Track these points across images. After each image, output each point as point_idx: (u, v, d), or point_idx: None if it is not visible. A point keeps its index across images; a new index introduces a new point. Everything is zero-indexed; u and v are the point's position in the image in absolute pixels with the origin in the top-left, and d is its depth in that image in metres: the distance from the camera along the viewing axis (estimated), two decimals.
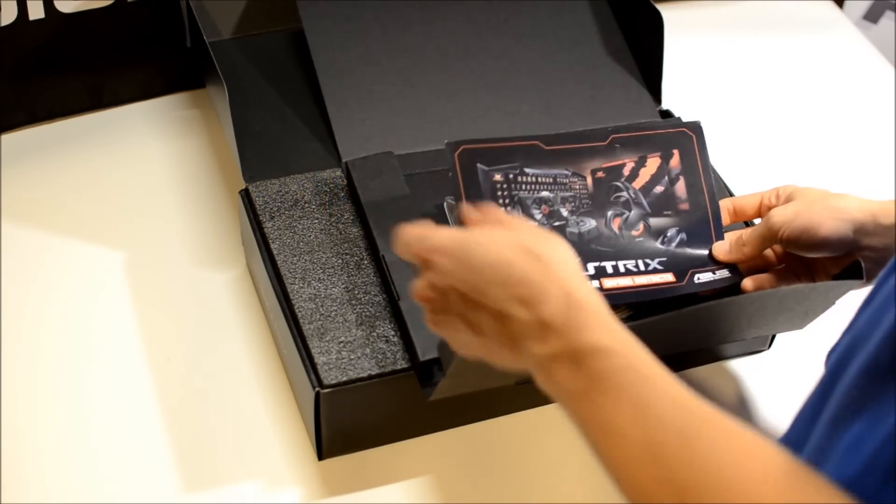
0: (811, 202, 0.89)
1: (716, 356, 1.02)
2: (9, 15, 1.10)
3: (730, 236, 0.95)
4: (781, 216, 0.89)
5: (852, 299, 0.88)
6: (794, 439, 0.67)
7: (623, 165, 0.97)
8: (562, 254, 0.68)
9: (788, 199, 0.91)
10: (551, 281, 0.66)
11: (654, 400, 0.62)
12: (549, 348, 0.65)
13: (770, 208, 0.92)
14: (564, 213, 0.94)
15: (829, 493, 0.59)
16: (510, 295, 0.66)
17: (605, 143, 0.96)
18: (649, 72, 1.14)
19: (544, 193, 0.94)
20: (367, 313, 0.92)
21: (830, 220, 0.87)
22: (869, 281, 0.87)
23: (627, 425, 0.62)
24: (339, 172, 1.04)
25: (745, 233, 0.93)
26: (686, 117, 1.09)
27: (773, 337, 1.03)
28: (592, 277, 0.91)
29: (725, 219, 0.96)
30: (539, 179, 0.95)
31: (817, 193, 0.90)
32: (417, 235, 0.71)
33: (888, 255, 0.86)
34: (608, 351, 0.64)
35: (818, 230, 0.87)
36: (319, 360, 0.89)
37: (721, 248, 0.95)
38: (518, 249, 0.67)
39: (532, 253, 0.67)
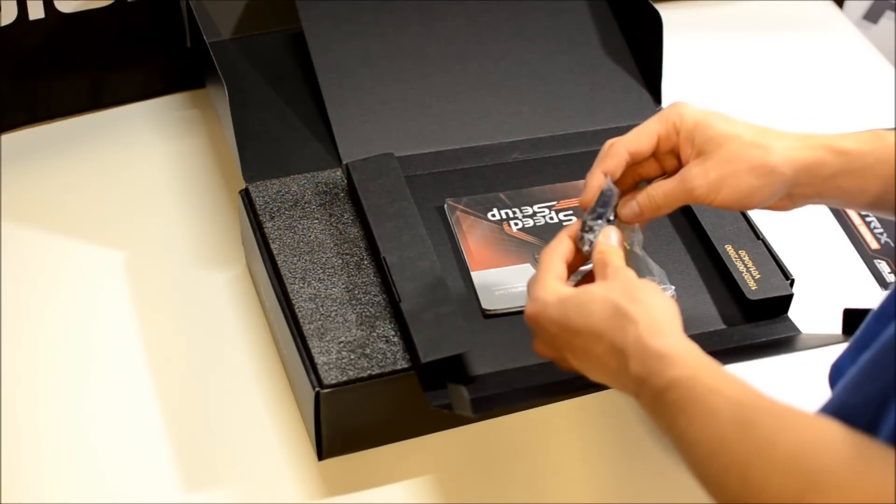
0: (733, 160, 0.78)
1: None
2: (9, 15, 1.10)
3: (637, 195, 0.82)
4: (704, 183, 0.79)
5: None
6: None
7: None
8: (647, 306, 0.74)
9: (696, 146, 0.80)
10: (630, 340, 0.73)
11: (718, 405, 0.68)
12: (635, 391, 0.73)
13: (671, 148, 0.82)
14: None
15: (888, 454, 0.62)
16: (605, 350, 0.74)
17: None
18: (649, 72, 1.14)
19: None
20: (368, 313, 0.92)
21: (763, 188, 0.78)
22: (791, 208, 0.81)
23: (698, 432, 0.68)
24: (339, 173, 1.04)
25: (657, 193, 0.81)
26: None
27: None
28: None
29: (619, 169, 0.81)
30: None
31: (732, 140, 0.79)
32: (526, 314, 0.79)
33: (819, 199, 0.80)
34: (678, 380, 0.70)
35: (750, 199, 0.79)
36: (319, 360, 0.89)
37: (630, 211, 0.82)
38: (609, 313, 0.74)
39: (619, 313, 0.74)
